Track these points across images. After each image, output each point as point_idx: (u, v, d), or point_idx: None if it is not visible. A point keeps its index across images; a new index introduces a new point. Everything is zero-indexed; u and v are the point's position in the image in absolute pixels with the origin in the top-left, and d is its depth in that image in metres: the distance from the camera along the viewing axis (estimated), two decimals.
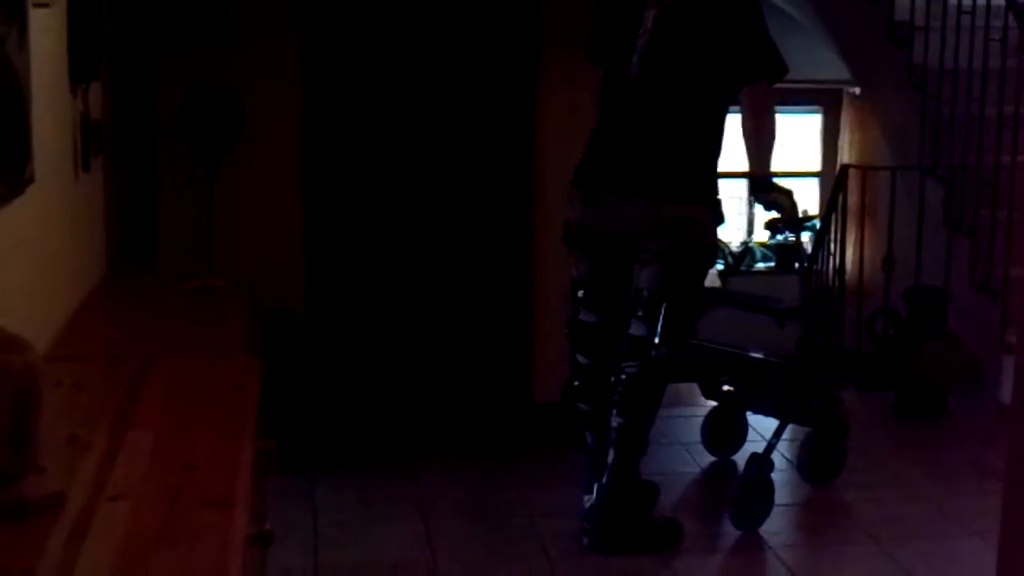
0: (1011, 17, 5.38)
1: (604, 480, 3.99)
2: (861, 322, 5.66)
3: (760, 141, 4.01)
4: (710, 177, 4.00)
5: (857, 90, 6.75)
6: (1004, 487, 3.02)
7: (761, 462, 4.24)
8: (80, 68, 3.09)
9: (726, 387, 4.72)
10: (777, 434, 4.36)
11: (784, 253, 6.00)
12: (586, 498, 4.15)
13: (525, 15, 4.99)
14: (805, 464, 4.58)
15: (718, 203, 4.00)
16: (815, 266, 5.78)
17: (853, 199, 5.89)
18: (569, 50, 5.02)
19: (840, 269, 5.73)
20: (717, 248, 4.22)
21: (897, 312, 5.55)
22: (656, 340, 3.92)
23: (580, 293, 4.15)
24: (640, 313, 3.94)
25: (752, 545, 4.15)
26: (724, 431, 4.84)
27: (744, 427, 4.87)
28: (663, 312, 3.92)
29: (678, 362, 4.02)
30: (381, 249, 5.03)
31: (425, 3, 4.96)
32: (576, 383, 4.22)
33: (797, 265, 4.76)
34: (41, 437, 1.82)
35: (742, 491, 4.23)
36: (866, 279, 5.75)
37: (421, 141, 5.00)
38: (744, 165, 4.10)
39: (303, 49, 4.86)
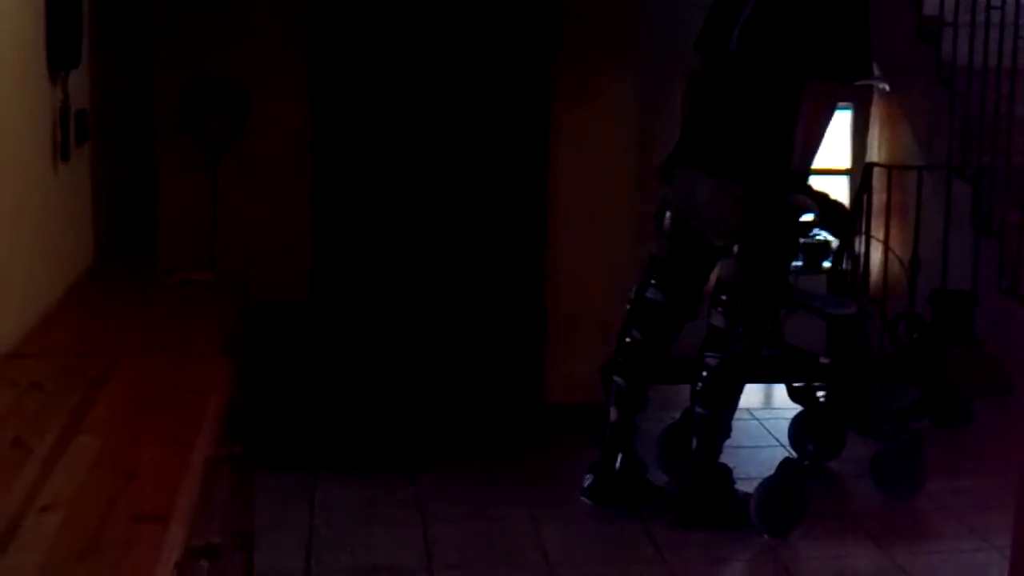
0: None
1: (687, 465, 4.12)
2: (885, 325, 5.49)
3: (805, 138, 3.91)
4: (780, 161, 3.89)
5: (887, 86, 6.55)
6: (1018, 494, 2.87)
7: (791, 468, 4.17)
8: (59, 55, 2.99)
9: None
10: (821, 442, 4.25)
11: (812, 253, 5.83)
12: (587, 477, 4.23)
13: (541, 22, 4.86)
14: (877, 476, 4.48)
15: (792, 189, 3.89)
16: (839, 267, 5.61)
17: (880, 198, 5.72)
18: (584, 57, 4.92)
19: (865, 270, 5.55)
20: (797, 241, 4.15)
21: (921, 316, 5.38)
22: (736, 334, 3.97)
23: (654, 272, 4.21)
24: (721, 305, 3.99)
25: (764, 551, 4.03)
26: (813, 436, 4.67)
27: (842, 432, 4.67)
28: (741, 306, 3.92)
29: (759, 357, 4.04)
30: (390, 244, 4.91)
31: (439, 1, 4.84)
32: (620, 359, 4.26)
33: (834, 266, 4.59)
34: None
35: (765, 494, 4.10)
36: (891, 281, 5.57)
37: (432, 136, 4.88)
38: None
39: (310, 37, 4.75)
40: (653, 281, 4.19)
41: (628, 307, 4.29)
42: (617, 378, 4.25)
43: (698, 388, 4.08)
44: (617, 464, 4.23)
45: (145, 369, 2.49)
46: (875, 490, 4.49)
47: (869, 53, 3.94)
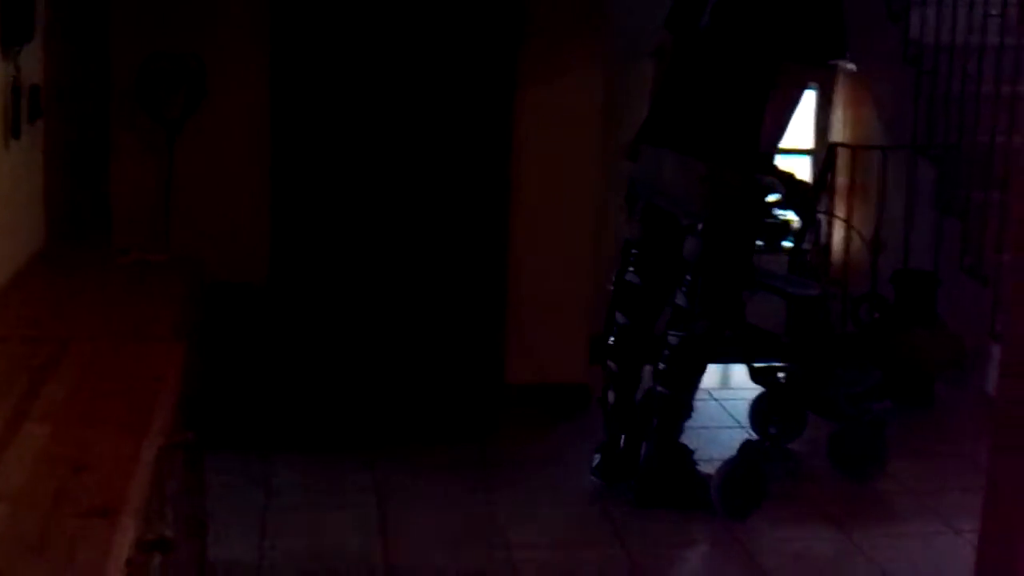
0: None
1: (649, 445, 4.11)
2: (847, 305, 5.49)
3: (776, 119, 3.89)
4: (749, 140, 3.87)
5: (853, 67, 6.53)
6: (987, 476, 2.86)
7: (752, 450, 4.16)
8: (12, 29, 2.90)
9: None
10: (782, 424, 4.24)
11: (773, 232, 5.79)
12: (595, 457, 4.28)
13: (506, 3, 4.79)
14: (837, 457, 4.48)
15: (759, 169, 3.86)
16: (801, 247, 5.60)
17: (843, 179, 5.71)
18: (551, 37, 4.86)
19: (826, 250, 5.54)
20: (762, 221, 4.12)
21: (884, 297, 5.38)
22: (696, 313, 3.96)
23: (632, 252, 4.21)
24: (685, 284, 3.98)
25: (724, 534, 4.01)
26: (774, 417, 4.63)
27: (803, 413, 4.64)
28: (700, 284, 3.91)
29: (720, 336, 4.02)
30: (349, 224, 4.83)
31: None
32: (611, 340, 4.27)
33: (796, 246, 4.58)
34: None
35: (726, 476, 4.08)
36: (853, 261, 5.57)
37: (394, 116, 4.79)
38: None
39: (273, 13, 4.65)
40: (631, 266, 4.20)
41: (611, 290, 4.30)
42: (610, 362, 4.28)
43: (659, 368, 4.06)
44: (621, 443, 4.26)
45: (97, 353, 2.42)
46: (836, 472, 4.48)
47: (844, 35, 3.90)
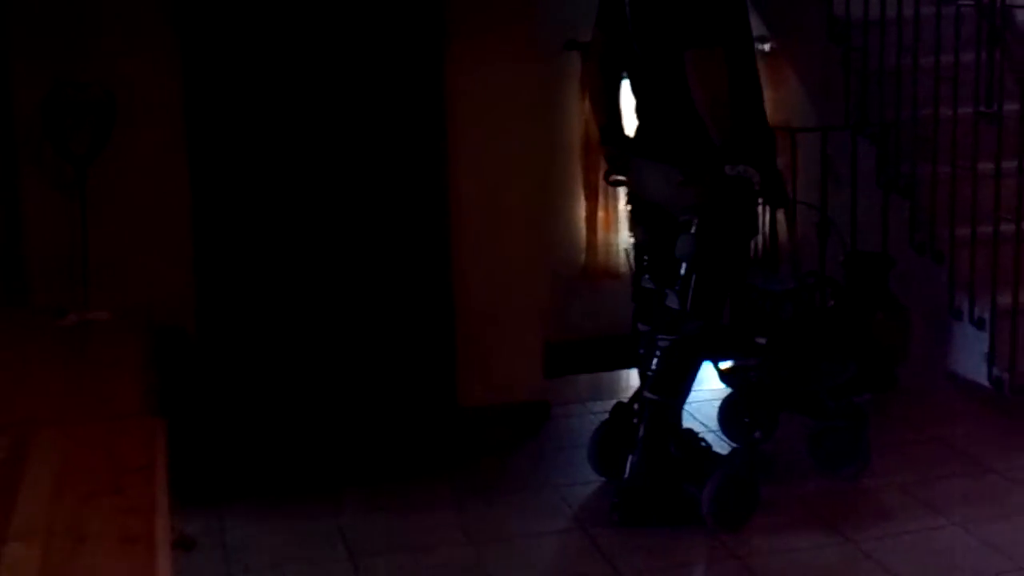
0: None
1: (634, 456, 3.89)
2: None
3: (707, 109, 3.68)
4: (703, 137, 3.68)
5: (767, 46, 6.39)
6: None
7: (743, 457, 4.02)
8: None
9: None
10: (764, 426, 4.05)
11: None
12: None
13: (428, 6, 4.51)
14: (819, 456, 4.32)
15: (727, 161, 3.64)
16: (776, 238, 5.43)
17: (781, 162, 5.53)
18: (478, 38, 4.59)
19: (772, 234, 5.34)
20: (755, 215, 3.92)
21: (837, 281, 5.21)
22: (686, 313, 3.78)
23: (645, 259, 4.08)
24: (677, 285, 3.82)
25: (720, 550, 3.79)
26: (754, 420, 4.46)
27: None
28: (692, 284, 3.73)
29: (713, 338, 3.85)
30: (282, 254, 4.49)
31: None
32: (640, 352, 4.05)
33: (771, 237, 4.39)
34: None
35: (720, 487, 3.85)
36: (800, 246, 5.40)
37: (321, 134, 4.46)
38: None
39: (183, 37, 4.29)
40: (645, 272, 4.06)
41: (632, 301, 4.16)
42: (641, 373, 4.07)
43: (650, 373, 3.85)
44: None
45: (67, 441, 2.10)
46: (816, 471, 4.30)
47: (742, 14, 3.79)
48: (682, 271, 3.78)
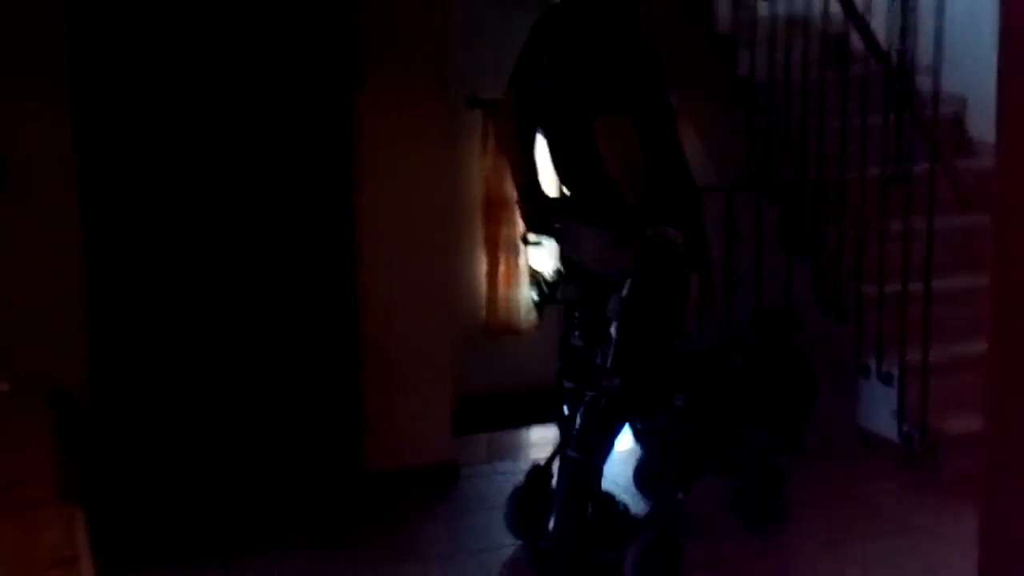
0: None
1: (554, 517, 3.78)
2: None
3: (619, 174, 3.64)
4: (619, 199, 3.63)
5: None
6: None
7: (667, 518, 3.91)
8: None
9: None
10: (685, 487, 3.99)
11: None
12: None
13: (339, 43, 4.41)
14: (741, 513, 4.28)
15: (647, 223, 3.60)
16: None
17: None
18: (389, 81, 4.52)
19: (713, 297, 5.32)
20: (682, 280, 3.84)
21: (746, 338, 5.19)
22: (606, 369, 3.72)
23: (576, 316, 4.03)
24: (607, 344, 3.77)
25: None
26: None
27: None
28: (614, 340, 3.69)
29: (633, 394, 3.77)
30: (179, 316, 4.33)
31: (222, 28, 4.30)
32: (563, 407, 4.03)
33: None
34: None
35: (644, 550, 3.76)
36: (715, 305, 5.38)
37: (222, 187, 4.34)
38: None
39: (74, 92, 4.12)
40: (575, 329, 4.01)
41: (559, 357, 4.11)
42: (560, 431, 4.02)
43: (573, 431, 3.78)
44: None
45: None
46: (738, 528, 4.26)
47: (659, 79, 3.78)
48: (612, 330, 3.72)
